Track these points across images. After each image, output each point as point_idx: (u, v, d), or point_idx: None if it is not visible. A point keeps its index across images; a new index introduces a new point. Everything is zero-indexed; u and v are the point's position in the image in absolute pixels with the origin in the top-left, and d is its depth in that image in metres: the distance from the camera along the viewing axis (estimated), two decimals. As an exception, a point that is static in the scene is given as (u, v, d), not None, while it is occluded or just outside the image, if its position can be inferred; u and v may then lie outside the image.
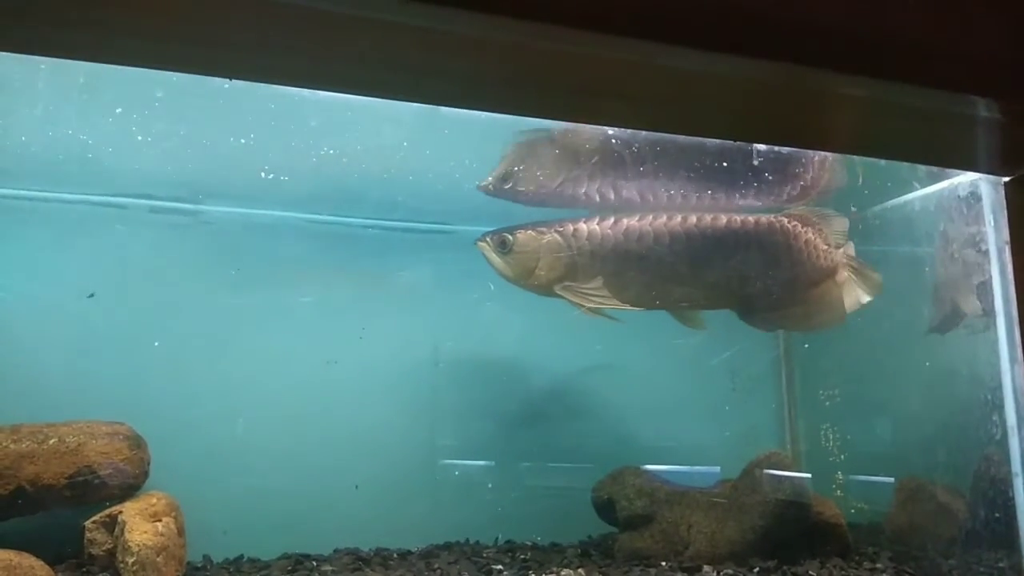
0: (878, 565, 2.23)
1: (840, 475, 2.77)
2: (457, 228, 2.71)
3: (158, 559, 1.84)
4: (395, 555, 2.34)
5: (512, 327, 2.70)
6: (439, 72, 1.32)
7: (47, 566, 1.79)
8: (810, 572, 2.14)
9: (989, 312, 2.09)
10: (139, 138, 2.14)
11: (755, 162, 2.29)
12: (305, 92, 1.71)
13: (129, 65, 1.30)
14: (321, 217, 2.63)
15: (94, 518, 1.94)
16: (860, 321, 2.48)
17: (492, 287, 2.44)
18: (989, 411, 2.08)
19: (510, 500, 2.61)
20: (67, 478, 1.95)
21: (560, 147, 2.26)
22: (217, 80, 1.30)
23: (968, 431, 2.15)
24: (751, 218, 2.36)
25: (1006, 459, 2.04)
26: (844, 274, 2.44)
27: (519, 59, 1.26)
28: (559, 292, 2.30)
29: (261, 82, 1.46)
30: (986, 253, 2.11)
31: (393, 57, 1.25)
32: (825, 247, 2.43)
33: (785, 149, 2.27)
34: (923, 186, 2.41)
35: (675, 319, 2.41)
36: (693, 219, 2.31)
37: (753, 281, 2.39)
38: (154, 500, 1.97)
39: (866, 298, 2.43)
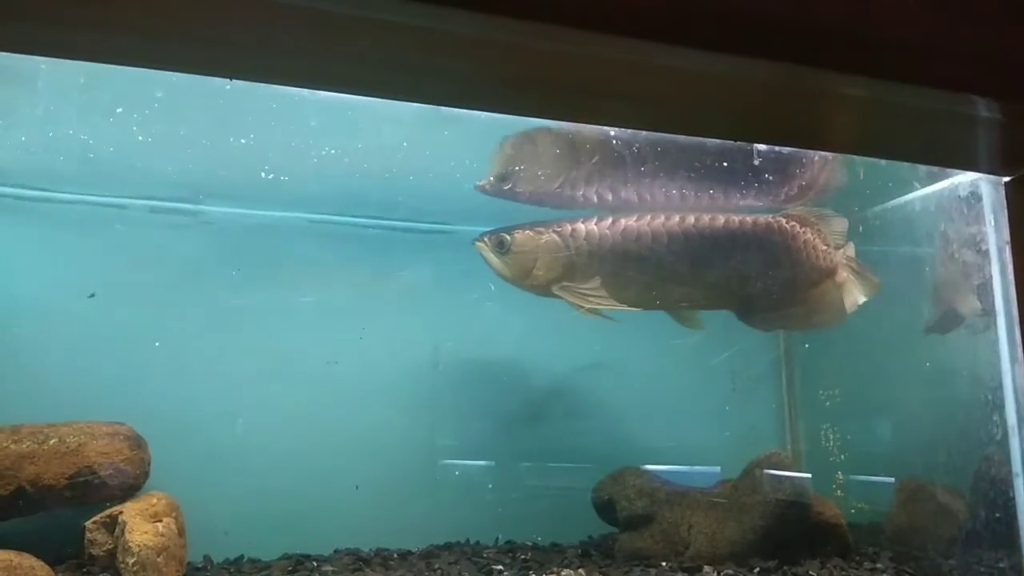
0: (878, 565, 2.22)
1: (840, 475, 2.77)
2: (457, 228, 2.71)
3: (158, 559, 1.84)
4: (395, 555, 2.34)
5: (512, 327, 2.70)
6: (439, 72, 1.32)
7: (47, 566, 1.79)
8: (810, 572, 2.14)
9: (989, 312, 2.09)
10: (139, 138, 2.15)
11: (754, 162, 2.29)
12: (305, 92, 1.71)
13: (129, 65, 1.30)
14: (321, 217, 2.63)
15: (94, 518, 1.94)
16: (860, 321, 2.48)
17: (492, 287, 2.44)
18: (989, 411, 2.08)
19: (510, 500, 2.61)
20: (67, 478, 1.95)
21: (558, 143, 2.26)
22: (218, 80, 1.30)
23: (968, 431, 2.15)
24: (749, 218, 2.36)
25: (1006, 459, 2.04)
26: (843, 274, 2.44)
27: (519, 59, 1.26)
28: (557, 292, 2.30)
29: (261, 82, 1.46)
30: (985, 253, 2.11)
31: (393, 57, 1.25)
32: (824, 247, 2.43)
33: (784, 149, 2.27)
34: (923, 186, 2.41)
35: (673, 319, 2.41)
36: (691, 219, 2.31)
37: (751, 281, 2.39)
38: (154, 500, 1.97)
39: (863, 299, 2.43)
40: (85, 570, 1.92)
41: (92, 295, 2.31)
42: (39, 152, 2.23)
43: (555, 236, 2.30)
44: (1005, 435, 2.04)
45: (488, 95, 1.44)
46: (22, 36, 1.17)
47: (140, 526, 1.86)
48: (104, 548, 1.92)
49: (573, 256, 2.28)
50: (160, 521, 1.91)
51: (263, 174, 2.33)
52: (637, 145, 2.24)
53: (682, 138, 2.18)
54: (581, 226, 2.30)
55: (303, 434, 2.42)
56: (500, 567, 2.18)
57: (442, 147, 2.28)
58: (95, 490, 1.98)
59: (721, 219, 2.33)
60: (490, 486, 2.61)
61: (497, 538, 2.56)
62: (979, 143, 1.65)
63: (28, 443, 1.95)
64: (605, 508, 2.43)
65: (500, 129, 2.21)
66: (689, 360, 2.86)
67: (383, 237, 2.69)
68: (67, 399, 2.16)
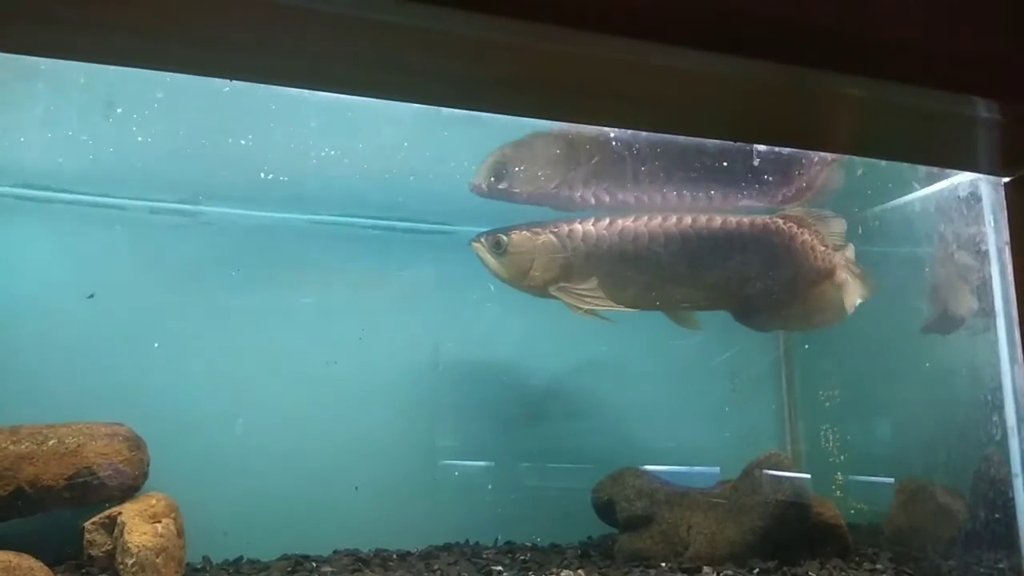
0: (878, 566, 2.22)
1: (840, 476, 2.77)
2: (458, 229, 2.71)
3: (157, 560, 1.84)
4: (395, 556, 2.34)
5: (513, 328, 2.70)
6: (438, 73, 1.32)
7: (46, 567, 1.79)
8: (810, 573, 2.14)
9: (987, 313, 2.09)
10: (139, 139, 2.15)
11: (753, 163, 2.29)
12: (305, 93, 1.71)
13: (129, 66, 1.30)
14: (321, 218, 2.63)
15: (93, 519, 1.94)
16: (860, 322, 2.48)
17: (492, 288, 2.44)
18: (989, 412, 2.08)
19: (510, 501, 2.61)
20: (66, 479, 1.95)
21: (554, 146, 2.26)
22: (217, 81, 1.30)
23: (968, 432, 2.15)
24: (746, 219, 2.36)
25: (1006, 460, 2.04)
26: (842, 275, 2.44)
27: (518, 59, 1.26)
28: (554, 293, 2.30)
29: (261, 83, 1.46)
30: (981, 254, 2.11)
31: (392, 58, 1.25)
32: (823, 248, 2.43)
33: (783, 150, 2.27)
34: (923, 187, 2.41)
35: (670, 320, 2.41)
36: (688, 220, 2.31)
37: (748, 282, 2.39)
38: (153, 501, 1.97)
39: (860, 300, 2.43)
40: (84, 571, 1.92)
41: (91, 296, 2.31)
42: (38, 152, 2.23)
43: (552, 237, 2.30)
44: (1004, 436, 2.04)
45: (487, 96, 1.44)
46: (22, 37, 1.17)
47: (139, 527, 1.86)
48: (103, 549, 1.92)
49: (570, 257, 2.28)
50: (159, 522, 1.91)
51: (263, 175, 2.33)
52: (637, 146, 2.24)
53: (681, 138, 2.18)
54: (578, 227, 2.30)
55: (303, 435, 2.42)
56: (499, 568, 2.18)
57: (442, 148, 2.28)
58: (94, 491, 1.98)
59: (718, 220, 2.33)
60: (490, 487, 2.61)
61: (496, 539, 2.55)
62: (979, 144, 1.65)
63: (27, 444, 1.95)
64: (605, 509, 2.42)
65: (500, 130, 2.21)
66: (689, 361, 2.86)
67: (383, 238, 2.69)
68: (66, 400, 2.16)
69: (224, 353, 2.41)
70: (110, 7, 1.09)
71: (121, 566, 1.84)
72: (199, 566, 2.19)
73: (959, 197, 2.20)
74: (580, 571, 2.13)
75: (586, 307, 2.27)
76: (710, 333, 2.59)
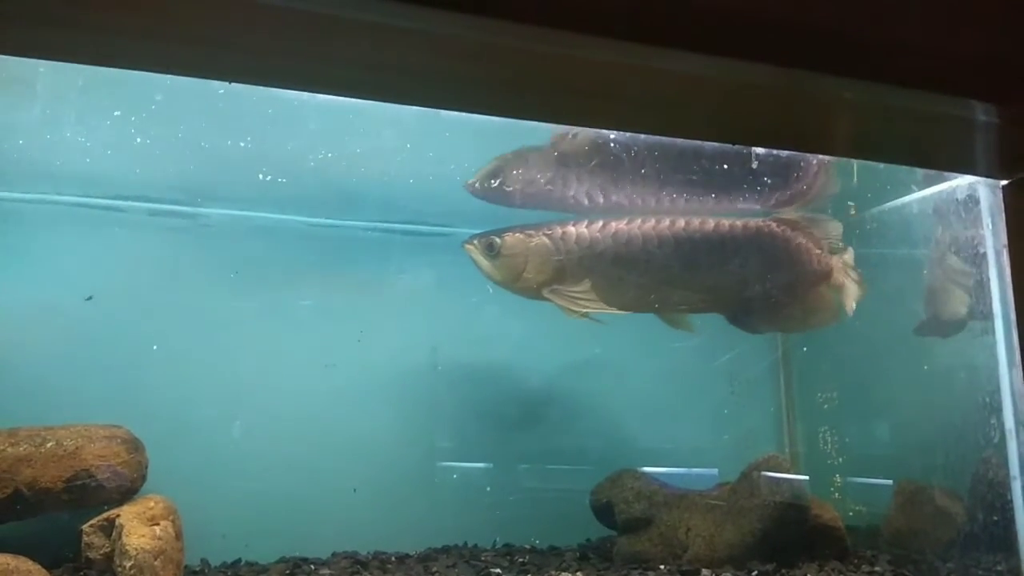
0: (876, 568, 2.22)
1: (838, 478, 2.77)
2: (457, 231, 2.71)
3: (156, 563, 1.83)
4: (393, 558, 2.33)
5: (511, 330, 2.70)
6: (438, 75, 1.32)
7: (44, 570, 1.79)
8: (808, 575, 2.14)
9: (984, 316, 2.10)
10: (137, 141, 2.14)
11: (752, 166, 2.30)
12: (304, 95, 1.71)
13: (128, 68, 1.30)
14: (320, 220, 2.63)
15: (92, 522, 1.93)
16: (858, 324, 2.49)
17: (491, 290, 2.44)
18: (987, 414, 2.08)
19: (508, 503, 2.61)
20: (64, 481, 1.95)
21: (549, 157, 2.26)
22: (216, 83, 1.31)
23: (966, 434, 2.15)
24: (740, 222, 2.36)
25: (1004, 462, 2.04)
26: (839, 278, 2.44)
27: (517, 62, 1.26)
28: (547, 296, 2.30)
29: (260, 85, 1.46)
30: (975, 258, 2.12)
31: (392, 61, 1.25)
32: (818, 251, 2.43)
33: (780, 153, 2.27)
34: (920, 189, 2.41)
35: (664, 322, 2.41)
36: (682, 223, 2.31)
37: (741, 285, 2.39)
38: (152, 504, 1.97)
39: (854, 304, 2.44)
40: (82, 573, 1.92)
41: (89, 298, 2.30)
42: (38, 155, 2.22)
43: (545, 239, 2.30)
44: (1003, 438, 2.04)
45: (487, 98, 1.44)
46: (22, 39, 1.17)
47: (137, 529, 1.86)
48: (101, 551, 1.91)
49: (563, 259, 2.28)
50: (157, 524, 1.91)
51: (261, 177, 2.33)
52: (635, 148, 2.25)
53: (677, 141, 2.19)
54: (572, 229, 2.30)
55: (301, 437, 2.42)
56: (498, 570, 2.18)
57: (443, 150, 2.28)
58: (92, 493, 1.97)
59: (712, 223, 2.33)
60: (488, 489, 2.61)
61: (495, 541, 2.55)
62: (977, 147, 1.65)
63: (25, 446, 1.95)
64: (603, 511, 2.42)
65: (500, 132, 2.20)
66: (688, 363, 2.86)
67: (382, 240, 2.69)
68: (64, 402, 2.16)
69: (223, 355, 2.41)
70: (109, 10, 1.09)
71: (119, 568, 1.83)
72: (197, 568, 2.18)
73: (957, 200, 2.21)
74: (579, 573, 2.13)
75: (579, 309, 2.27)
76: (708, 335, 2.59)
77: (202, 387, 2.37)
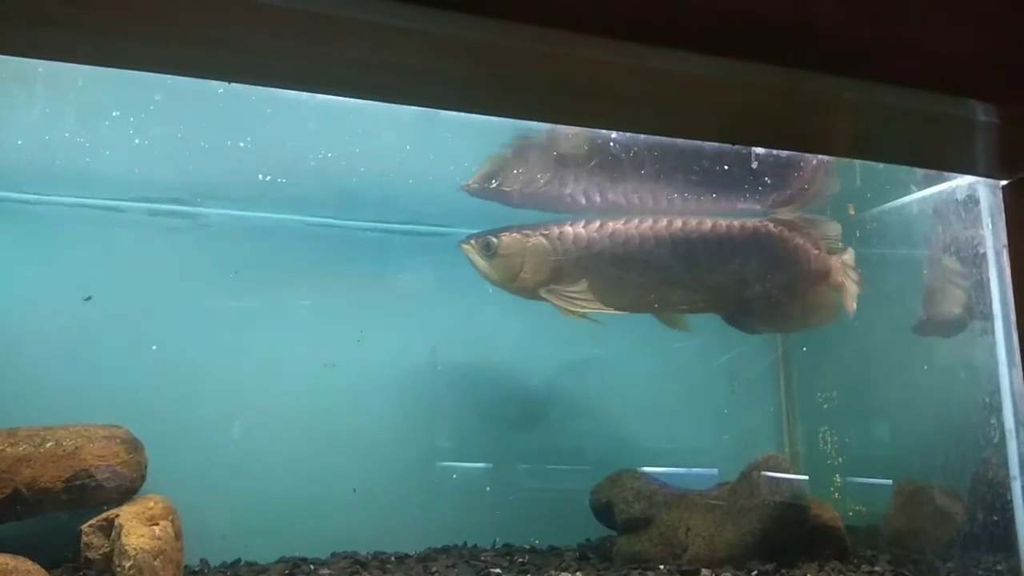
0: (876, 568, 2.22)
1: (838, 478, 2.77)
2: (456, 231, 2.71)
3: (155, 563, 1.83)
4: (393, 558, 2.33)
5: (511, 330, 2.70)
6: (436, 75, 1.32)
7: (44, 570, 1.78)
8: (808, 575, 2.14)
9: (984, 316, 2.10)
10: (137, 141, 2.14)
11: (751, 166, 2.29)
12: (303, 95, 1.71)
13: (127, 68, 1.30)
14: (320, 220, 2.63)
15: (91, 522, 1.93)
16: (858, 324, 2.49)
17: (490, 290, 2.44)
18: (987, 414, 2.08)
19: (508, 503, 2.61)
20: (64, 481, 1.94)
21: (548, 154, 2.26)
22: (215, 83, 1.30)
23: (966, 434, 2.15)
24: (737, 222, 2.36)
25: (1004, 462, 2.04)
26: (838, 278, 2.44)
27: (516, 62, 1.26)
28: (544, 296, 2.30)
29: (259, 85, 1.46)
30: (973, 258, 2.12)
31: (391, 60, 1.25)
32: (816, 251, 2.43)
33: (780, 153, 2.27)
34: (920, 190, 2.41)
35: (661, 322, 2.41)
36: (679, 223, 2.31)
37: (739, 285, 2.39)
38: (151, 504, 1.97)
39: (853, 305, 2.44)
40: (81, 573, 1.92)
41: (89, 298, 2.30)
42: (37, 155, 2.22)
43: (542, 239, 2.29)
44: (1003, 438, 2.04)
45: (485, 98, 1.44)
46: (22, 39, 1.17)
47: (137, 529, 1.85)
48: (101, 551, 1.91)
49: (560, 259, 2.28)
50: (157, 524, 1.91)
51: (261, 176, 2.33)
52: (635, 148, 2.24)
53: (677, 141, 2.18)
54: (569, 229, 2.30)
55: (301, 437, 2.42)
56: (498, 570, 2.18)
57: (442, 150, 2.28)
58: (92, 493, 1.97)
59: (709, 223, 2.33)
60: (488, 489, 2.61)
61: (495, 541, 2.55)
62: (977, 147, 1.65)
63: (24, 446, 1.95)
64: (603, 511, 2.42)
65: (499, 132, 2.21)
66: (688, 363, 2.86)
67: (381, 240, 2.69)
68: (64, 402, 2.16)
69: (222, 355, 2.41)
70: (108, 10, 1.09)
71: (119, 568, 1.83)
72: (197, 569, 2.18)
73: (957, 200, 2.21)
74: (578, 573, 2.13)
75: (576, 310, 2.27)
76: (708, 336, 2.59)
77: (202, 387, 2.37)
